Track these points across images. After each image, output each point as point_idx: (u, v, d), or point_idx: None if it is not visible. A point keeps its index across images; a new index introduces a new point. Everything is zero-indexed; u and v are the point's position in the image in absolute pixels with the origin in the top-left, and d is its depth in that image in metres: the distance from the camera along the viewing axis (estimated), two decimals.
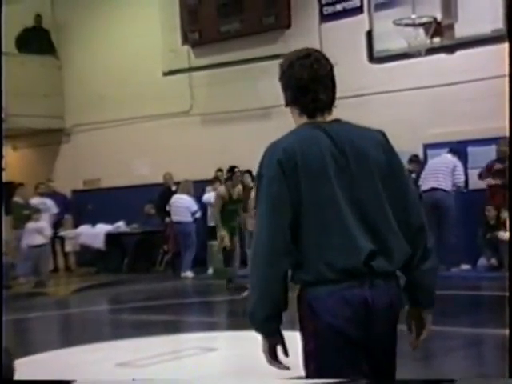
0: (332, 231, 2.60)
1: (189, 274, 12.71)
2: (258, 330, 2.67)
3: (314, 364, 2.66)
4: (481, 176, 11.10)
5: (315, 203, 2.60)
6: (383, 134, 2.78)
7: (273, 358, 2.69)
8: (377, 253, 2.62)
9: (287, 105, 2.77)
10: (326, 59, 2.72)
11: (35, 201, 13.88)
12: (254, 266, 2.64)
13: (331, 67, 2.72)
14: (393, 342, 2.74)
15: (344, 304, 2.59)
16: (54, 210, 14.16)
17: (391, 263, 2.65)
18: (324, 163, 2.60)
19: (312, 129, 2.67)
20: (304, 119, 2.72)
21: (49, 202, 14.16)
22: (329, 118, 2.71)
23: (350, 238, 2.60)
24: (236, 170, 10.68)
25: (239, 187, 10.61)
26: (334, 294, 2.59)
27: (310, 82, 2.68)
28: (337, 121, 2.73)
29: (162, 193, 13.35)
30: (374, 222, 2.64)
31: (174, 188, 13.37)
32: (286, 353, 2.69)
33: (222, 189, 10.72)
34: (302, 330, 2.66)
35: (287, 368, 2.70)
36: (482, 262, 11.02)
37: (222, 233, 10.42)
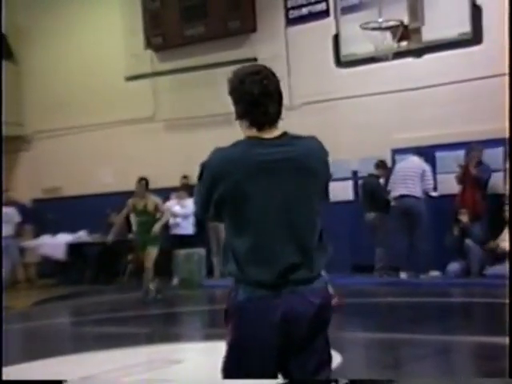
0: (253, 241, 2.82)
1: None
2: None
3: (225, 356, 2.89)
4: (460, 181, 10.96)
5: (239, 212, 2.83)
6: (319, 142, 3.00)
7: None
8: (298, 265, 2.81)
9: (238, 118, 2.96)
10: (274, 75, 2.93)
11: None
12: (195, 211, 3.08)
13: (278, 82, 2.93)
14: (317, 345, 2.90)
15: (262, 314, 2.79)
16: (17, 218, 13.77)
17: (312, 272, 2.85)
18: (255, 175, 2.81)
19: (252, 142, 2.88)
20: (253, 131, 2.91)
21: (10, 211, 13.76)
22: (275, 130, 2.91)
23: (270, 250, 2.81)
24: (138, 183, 10.68)
25: (152, 199, 10.60)
26: (254, 301, 2.80)
27: (261, 97, 2.87)
28: (281, 135, 2.91)
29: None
30: (299, 236, 2.84)
31: None
32: None
33: (132, 200, 10.72)
34: (225, 322, 2.89)
35: None
36: (452, 267, 10.91)
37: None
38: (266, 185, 2.84)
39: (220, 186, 2.84)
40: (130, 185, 12.79)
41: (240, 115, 2.94)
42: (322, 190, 2.96)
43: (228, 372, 2.90)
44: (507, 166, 9.41)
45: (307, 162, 2.90)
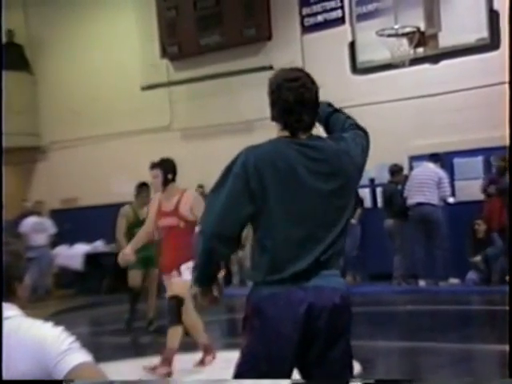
0: (284, 239, 2.84)
1: None
2: (195, 284, 3.00)
3: (242, 357, 2.89)
4: (485, 190, 10.84)
5: (273, 210, 2.83)
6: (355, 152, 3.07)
7: (203, 297, 3.01)
8: (322, 263, 2.86)
9: (273, 120, 3.00)
10: (313, 82, 2.97)
11: (32, 220, 13.52)
12: (200, 240, 2.89)
13: (316, 90, 2.96)
14: (339, 340, 2.89)
15: (285, 306, 2.81)
16: (52, 230, 13.81)
17: (334, 271, 2.90)
18: (288, 175, 2.84)
19: (287, 142, 2.91)
20: (285, 134, 2.95)
21: (47, 222, 13.81)
22: (309, 135, 2.96)
23: (299, 248, 2.83)
24: (140, 189, 9.42)
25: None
26: (275, 295, 2.82)
27: (295, 105, 2.91)
28: (312, 137, 2.96)
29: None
30: (325, 233, 2.87)
31: None
32: (219, 293, 3.02)
33: (125, 208, 9.44)
34: (243, 330, 2.90)
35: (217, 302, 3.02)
36: (471, 275, 10.81)
37: (132, 272, 9.06)
38: (297, 184, 2.86)
39: (254, 183, 2.83)
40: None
41: (274, 118, 2.99)
42: (350, 191, 2.98)
43: (247, 367, 2.87)
44: None
45: (336, 163, 2.93)
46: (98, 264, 14.06)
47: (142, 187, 9.36)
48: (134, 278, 9.16)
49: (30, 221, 13.53)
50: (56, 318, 11.17)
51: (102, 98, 14.51)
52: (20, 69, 15.35)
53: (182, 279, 6.28)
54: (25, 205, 14.57)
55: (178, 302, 6.36)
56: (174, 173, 6.80)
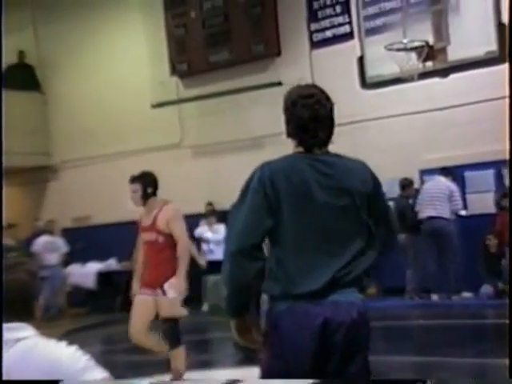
0: (298, 252, 2.85)
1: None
2: (228, 315, 2.96)
3: (262, 372, 2.89)
4: (498, 204, 10.79)
5: (287, 223, 2.86)
6: (372, 173, 3.09)
7: (241, 335, 2.96)
8: (338, 279, 2.86)
9: (288, 136, 3.03)
10: (328, 99, 2.99)
11: (44, 239, 13.58)
12: (225, 263, 2.89)
13: (331, 107, 2.99)
14: (357, 356, 2.88)
15: (302, 320, 2.80)
16: (64, 249, 13.86)
17: (351, 287, 2.89)
18: (301, 190, 2.87)
19: (301, 158, 2.95)
20: (301, 150, 2.98)
21: (59, 241, 13.86)
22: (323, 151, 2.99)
23: (313, 262, 2.84)
24: None
25: None
26: (293, 310, 2.82)
27: (310, 122, 2.93)
28: (326, 153, 2.98)
29: None
30: (340, 249, 2.88)
31: None
32: (258, 333, 2.98)
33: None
34: (263, 345, 2.91)
35: (255, 343, 2.96)
36: (485, 289, 10.75)
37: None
38: (310, 199, 2.89)
39: (270, 196, 2.87)
40: None
41: (290, 135, 3.02)
42: (362, 209, 2.97)
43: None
44: None
45: (346, 180, 2.95)
46: (111, 282, 14.08)
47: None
48: None
49: (42, 240, 13.58)
50: (69, 336, 11.17)
51: (113, 117, 14.58)
52: (31, 89, 15.46)
53: (168, 298, 6.25)
54: (37, 224, 14.62)
55: (171, 324, 6.33)
56: (155, 187, 6.73)
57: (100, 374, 2.36)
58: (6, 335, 2.39)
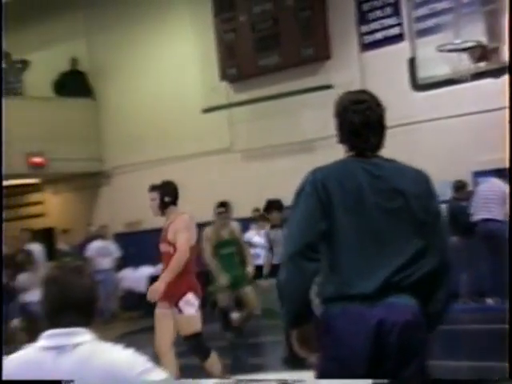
0: (351, 254, 2.86)
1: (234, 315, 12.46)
2: (287, 325, 2.97)
3: (317, 374, 2.89)
4: None
5: (340, 225, 2.87)
6: (426, 177, 3.08)
7: (301, 345, 2.95)
8: (394, 281, 2.85)
9: (340, 142, 3.06)
10: (378, 105, 3.02)
11: (97, 244, 13.78)
12: (282, 268, 2.92)
13: (382, 112, 3.02)
14: (413, 360, 2.84)
15: (357, 322, 2.79)
16: (117, 253, 14.03)
17: (405, 290, 2.86)
18: (353, 192, 2.89)
19: (353, 161, 2.98)
20: (352, 155, 3.01)
21: (112, 246, 14.04)
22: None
23: (366, 263, 2.84)
24: (222, 208, 9.22)
25: (236, 226, 9.26)
26: (347, 312, 2.82)
27: (361, 127, 2.96)
28: (378, 157, 3.00)
29: None
30: (394, 251, 2.87)
31: None
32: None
33: (206, 230, 9.19)
34: (317, 348, 2.91)
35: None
36: None
37: (221, 294, 9.09)
38: (362, 201, 2.91)
39: (323, 199, 2.90)
40: (208, 216, 12.90)
41: (341, 140, 3.06)
42: (416, 210, 2.95)
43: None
44: None
45: (398, 182, 2.95)
46: None
47: (222, 206, 9.23)
48: (223, 300, 9.22)
49: (95, 245, 13.76)
50: (122, 340, 11.26)
51: (163, 122, 14.72)
52: (83, 96, 15.70)
53: (185, 316, 6.21)
54: (90, 229, 14.82)
55: (194, 340, 6.27)
56: (174, 196, 6.64)
57: (161, 374, 2.36)
58: (64, 340, 2.40)
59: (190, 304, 6.15)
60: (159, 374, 2.38)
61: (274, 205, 8.29)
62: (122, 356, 2.41)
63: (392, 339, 2.80)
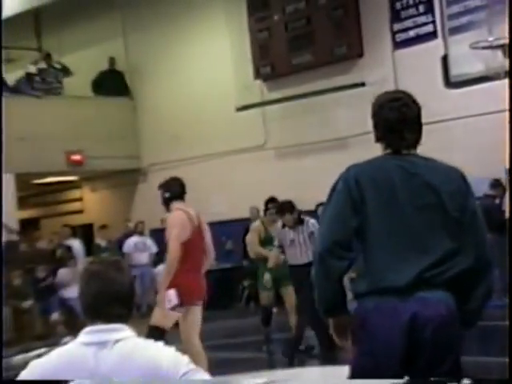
0: (383, 249, 2.88)
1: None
2: (322, 315, 3.02)
3: (352, 369, 2.91)
4: None
5: (373, 221, 2.89)
6: (461, 175, 3.09)
7: (339, 336, 3.00)
8: (427, 276, 2.85)
9: (377, 141, 3.08)
10: (414, 102, 3.05)
11: (134, 240, 13.99)
12: (314, 263, 2.99)
13: (419, 110, 3.03)
14: (447, 356, 2.86)
15: (390, 316, 2.81)
16: (154, 249, 14.22)
17: (438, 286, 2.86)
18: (386, 188, 2.91)
19: (387, 159, 3.00)
20: (388, 152, 3.03)
21: (148, 241, 14.24)
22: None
23: (399, 258, 2.85)
24: (271, 205, 8.89)
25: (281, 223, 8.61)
26: (380, 306, 2.83)
27: (397, 124, 2.98)
28: (414, 155, 3.01)
29: (246, 229, 12.96)
30: (426, 246, 2.88)
31: None
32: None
33: (256, 224, 9.13)
34: (352, 343, 2.93)
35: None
36: None
37: (264, 293, 8.80)
38: (395, 197, 2.92)
39: (355, 196, 2.92)
40: (243, 213, 13.05)
41: (378, 139, 3.08)
42: (450, 207, 2.96)
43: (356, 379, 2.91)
44: None
45: (432, 179, 2.96)
46: None
47: (271, 202, 9.00)
48: (266, 298, 8.98)
49: (133, 240, 13.97)
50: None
51: (198, 120, 14.88)
52: (121, 95, 15.95)
53: (159, 308, 6.24)
54: (127, 225, 15.05)
55: (156, 334, 5.98)
56: (176, 192, 6.68)
57: (204, 375, 2.34)
58: (106, 336, 2.38)
59: (168, 300, 6.18)
60: (203, 375, 2.36)
61: (286, 206, 8.10)
62: (165, 354, 2.36)
63: (426, 334, 2.81)
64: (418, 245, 2.88)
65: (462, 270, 2.92)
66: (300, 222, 8.06)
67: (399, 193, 2.92)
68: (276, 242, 8.32)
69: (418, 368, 2.86)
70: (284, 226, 8.13)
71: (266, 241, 8.75)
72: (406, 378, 2.89)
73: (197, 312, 6.42)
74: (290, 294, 8.46)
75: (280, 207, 8.28)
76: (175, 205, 6.57)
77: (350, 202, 2.90)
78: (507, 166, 11.56)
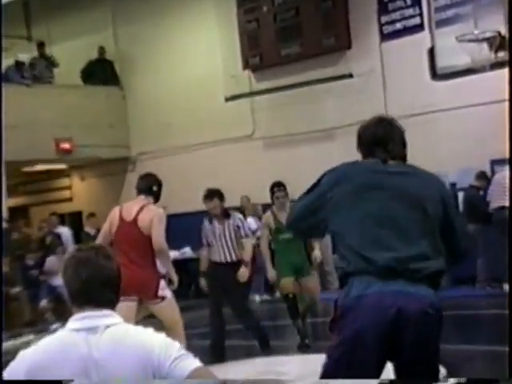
0: (368, 235, 2.96)
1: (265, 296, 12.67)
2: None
3: (327, 359, 2.96)
4: None
5: (359, 210, 3.01)
6: (442, 183, 3.28)
7: None
8: (409, 265, 2.93)
9: (363, 157, 3.24)
10: (398, 124, 3.24)
11: None
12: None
13: (403, 131, 3.22)
14: (428, 346, 2.94)
15: (373, 309, 2.86)
16: None
17: (424, 282, 2.93)
18: (374, 184, 3.04)
19: (375, 162, 3.13)
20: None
21: None
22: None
23: (383, 244, 2.95)
24: (277, 188, 8.20)
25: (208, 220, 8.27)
26: (364, 297, 2.86)
27: (383, 137, 3.15)
28: (399, 163, 3.15)
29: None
30: (410, 239, 2.98)
31: (246, 212, 13.43)
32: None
33: (265, 216, 8.39)
34: (331, 330, 2.97)
35: None
36: None
37: (284, 280, 7.91)
38: (377, 187, 3.07)
39: (343, 183, 3.09)
40: (232, 201, 13.13)
41: (364, 155, 3.24)
42: (429, 209, 3.09)
43: (334, 368, 2.93)
44: None
45: (415, 182, 3.14)
46: (186, 270, 14.44)
47: (277, 186, 8.26)
48: (286, 286, 8.05)
49: None
50: (146, 322, 11.54)
51: (187, 110, 14.94)
52: (111, 84, 15.98)
53: None
54: None
55: None
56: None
57: (195, 362, 2.34)
58: (96, 322, 2.37)
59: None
60: (193, 362, 2.33)
61: (214, 191, 8.17)
62: (156, 339, 2.36)
63: (409, 329, 2.87)
64: (403, 237, 2.96)
65: (437, 270, 3.02)
66: (226, 215, 7.87)
67: (385, 189, 3.03)
68: (204, 241, 8.12)
69: (398, 357, 2.94)
70: (211, 220, 7.97)
71: (279, 230, 7.91)
72: (391, 378, 2.98)
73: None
74: (310, 282, 7.96)
75: (208, 192, 8.10)
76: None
77: (322, 199, 3.09)
78: (493, 157, 11.74)
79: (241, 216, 7.91)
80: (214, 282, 7.84)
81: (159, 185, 6.76)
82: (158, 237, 6.40)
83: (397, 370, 3.01)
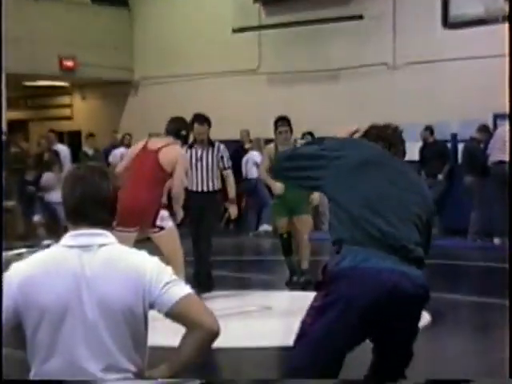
0: (369, 207, 2.98)
1: (266, 227, 12.74)
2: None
3: (309, 318, 2.95)
4: None
5: (355, 181, 3.04)
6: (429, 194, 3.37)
7: None
8: (409, 246, 2.96)
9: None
10: (401, 134, 3.34)
11: (121, 151, 13.99)
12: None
13: (404, 143, 3.32)
14: (408, 330, 3.02)
15: (368, 280, 2.86)
16: None
17: (413, 260, 2.96)
18: (370, 158, 3.10)
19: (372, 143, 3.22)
20: None
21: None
22: None
23: (385, 220, 2.96)
24: (281, 122, 8.01)
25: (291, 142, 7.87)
26: (359, 268, 2.87)
27: (389, 134, 3.26)
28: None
29: (236, 150, 12.78)
30: (401, 219, 3.01)
31: (246, 146, 13.43)
32: None
33: (268, 147, 8.30)
34: (318, 290, 2.97)
35: None
36: None
37: (280, 220, 7.93)
38: (388, 166, 3.15)
39: (349, 152, 3.11)
40: (231, 134, 13.13)
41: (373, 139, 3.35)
42: (423, 207, 3.16)
43: (318, 329, 2.92)
44: None
45: (414, 176, 3.37)
46: (184, 199, 14.50)
47: (280, 121, 8.10)
48: (281, 225, 8.05)
49: (119, 151, 13.97)
50: (139, 245, 11.63)
51: (194, 38, 14.79)
52: (119, 5, 15.77)
53: None
54: (114, 136, 15.09)
55: None
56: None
57: (186, 289, 2.36)
58: (90, 240, 2.37)
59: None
60: (184, 288, 2.35)
61: (202, 116, 7.72)
62: (149, 264, 2.36)
63: (401, 307, 2.90)
64: (402, 216, 3.01)
65: (423, 256, 3.05)
66: (211, 143, 7.58)
67: (389, 168, 3.13)
68: None
69: (377, 337, 3.00)
70: (191, 146, 7.57)
71: None
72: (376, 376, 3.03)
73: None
74: (300, 221, 7.91)
75: (200, 116, 7.74)
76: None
77: (321, 159, 3.09)
78: (496, 111, 11.70)
79: (223, 146, 7.73)
80: (193, 211, 7.61)
81: (187, 129, 6.82)
82: (178, 180, 6.44)
83: (376, 347, 3.06)
